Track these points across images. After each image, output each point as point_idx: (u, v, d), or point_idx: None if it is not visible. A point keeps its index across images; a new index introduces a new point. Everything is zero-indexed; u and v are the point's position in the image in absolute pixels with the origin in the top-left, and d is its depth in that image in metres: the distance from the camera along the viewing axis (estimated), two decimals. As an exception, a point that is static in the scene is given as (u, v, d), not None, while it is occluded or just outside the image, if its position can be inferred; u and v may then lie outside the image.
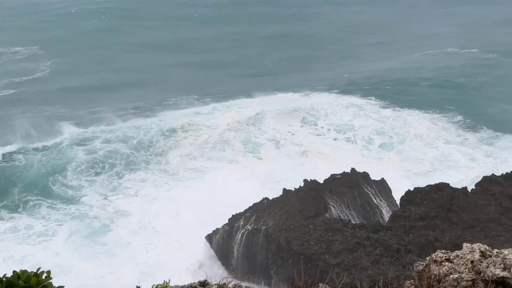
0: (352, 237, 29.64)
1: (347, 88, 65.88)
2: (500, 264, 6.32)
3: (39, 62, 79.59)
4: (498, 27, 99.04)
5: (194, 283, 6.69)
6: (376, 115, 58.84)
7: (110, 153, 49.96)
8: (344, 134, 55.01)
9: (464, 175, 46.18)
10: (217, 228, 35.58)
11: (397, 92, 64.89)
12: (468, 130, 56.20)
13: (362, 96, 63.38)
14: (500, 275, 6.30)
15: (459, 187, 32.31)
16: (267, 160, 49.99)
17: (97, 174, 47.46)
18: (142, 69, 76.88)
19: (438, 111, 60.10)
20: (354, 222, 32.43)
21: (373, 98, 63.00)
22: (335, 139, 54.39)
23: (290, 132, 55.08)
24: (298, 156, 50.68)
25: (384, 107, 60.99)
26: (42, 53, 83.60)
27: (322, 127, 56.25)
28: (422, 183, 35.18)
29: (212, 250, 35.83)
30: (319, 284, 7.19)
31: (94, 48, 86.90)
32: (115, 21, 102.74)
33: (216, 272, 32.76)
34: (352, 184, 35.59)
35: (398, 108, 60.72)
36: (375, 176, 38.16)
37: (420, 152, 51.81)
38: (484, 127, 56.45)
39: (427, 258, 7.62)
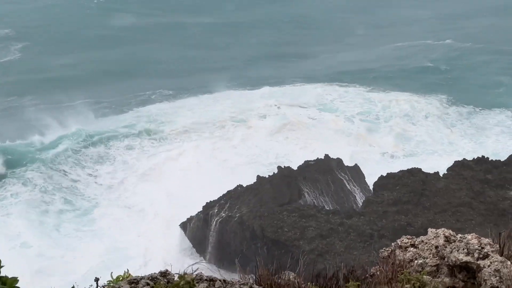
0: (326, 223, 29.71)
1: (331, 78, 67.64)
2: (463, 249, 6.26)
3: (10, 46, 77.80)
4: (473, 15, 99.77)
5: (154, 273, 6.48)
6: (361, 96, 61.81)
7: (100, 128, 51.02)
8: (329, 112, 57.75)
9: (441, 160, 46.79)
10: (191, 216, 35.31)
11: (381, 80, 67.03)
12: (449, 106, 58.88)
13: (346, 84, 65.58)
14: (463, 260, 6.23)
15: (431, 172, 32.58)
16: (253, 129, 52.78)
17: (85, 147, 47.76)
18: (116, 58, 75.55)
19: (422, 93, 62.42)
20: (327, 208, 32.51)
21: (357, 85, 65.22)
22: (319, 112, 57.34)
23: (276, 106, 58.08)
24: (282, 126, 53.33)
25: (368, 91, 63.38)
26: (13, 35, 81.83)
27: (307, 105, 59.16)
28: (397, 168, 35.40)
29: (186, 238, 35.60)
30: (285, 271, 7.02)
31: (68, 34, 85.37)
32: (94, 7, 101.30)
33: (189, 262, 32.55)
34: (326, 170, 35.64)
35: (382, 91, 63.30)
36: (351, 157, 38.62)
37: (401, 129, 54.14)
38: (465, 106, 59.07)
39: (393, 244, 7.52)
